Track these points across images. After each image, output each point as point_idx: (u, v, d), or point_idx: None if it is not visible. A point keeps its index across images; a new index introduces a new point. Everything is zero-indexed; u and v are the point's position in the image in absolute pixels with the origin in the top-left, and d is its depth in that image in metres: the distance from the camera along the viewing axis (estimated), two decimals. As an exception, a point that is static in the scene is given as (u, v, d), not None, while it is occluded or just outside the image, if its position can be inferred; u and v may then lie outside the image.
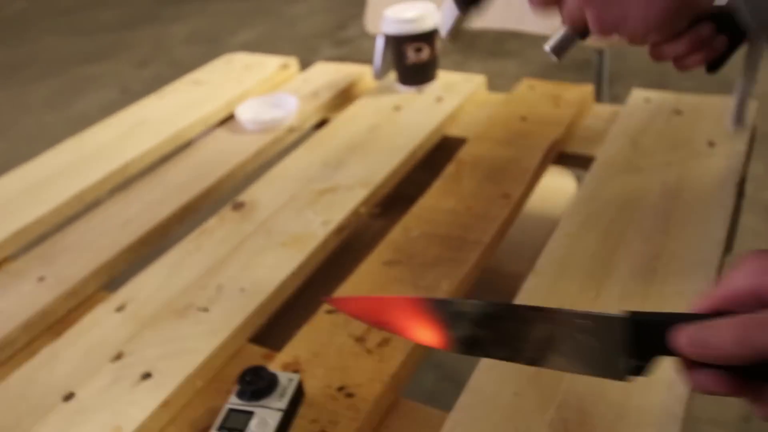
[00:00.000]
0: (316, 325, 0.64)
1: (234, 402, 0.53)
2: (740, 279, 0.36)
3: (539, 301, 0.63)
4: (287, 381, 0.55)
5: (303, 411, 0.55)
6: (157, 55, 3.29)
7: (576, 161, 0.90)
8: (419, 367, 0.62)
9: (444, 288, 0.66)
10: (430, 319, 0.39)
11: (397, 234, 0.75)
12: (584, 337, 0.38)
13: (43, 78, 3.17)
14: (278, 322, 0.73)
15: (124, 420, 0.57)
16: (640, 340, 0.36)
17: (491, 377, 0.55)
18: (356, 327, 0.63)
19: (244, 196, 0.86)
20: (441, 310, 0.39)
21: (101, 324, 0.68)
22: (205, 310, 0.67)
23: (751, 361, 0.33)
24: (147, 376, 0.61)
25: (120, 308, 0.69)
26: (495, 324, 0.39)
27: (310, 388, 0.57)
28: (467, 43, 2.69)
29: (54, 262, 0.78)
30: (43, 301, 0.72)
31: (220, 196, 0.92)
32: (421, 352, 0.62)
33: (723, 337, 0.34)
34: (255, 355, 0.65)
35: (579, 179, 1.06)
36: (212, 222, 0.82)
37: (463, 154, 0.89)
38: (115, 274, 0.78)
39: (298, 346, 0.62)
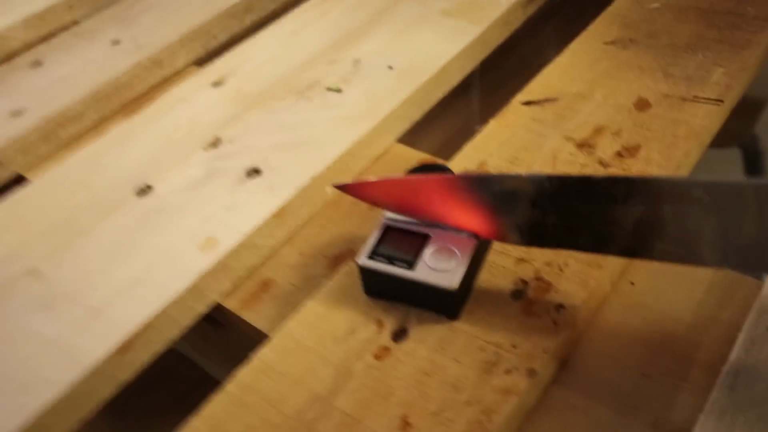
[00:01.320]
0: (511, 121, 0.41)
1: (394, 217, 0.32)
2: None
3: None
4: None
5: (505, 246, 0.34)
6: None
7: None
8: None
9: (715, 79, 0.41)
10: (474, 203, 0.29)
11: (624, 5, 0.50)
12: (711, 217, 0.24)
13: None
14: (441, 122, 0.51)
15: (219, 229, 0.37)
16: None
17: None
18: (576, 126, 0.40)
19: (387, -44, 0.61)
20: (484, 190, 0.29)
21: (192, 101, 0.48)
22: (338, 91, 0.46)
23: None
24: (254, 172, 0.41)
25: (218, 83, 0.49)
26: (565, 205, 0.27)
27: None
28: None
29: (133, 24, 0.58)
30: (118, 69, 0.52)
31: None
32: (688, 167, 0.39)
33: None
34: (411, 160, 0.43)
35: None
36: (343, -14, 0.58)
37: None
38: (212, 46, 0.57)
39: (484, 148, 0.40)
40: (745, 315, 0.31)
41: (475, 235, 0.31)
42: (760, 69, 0.44)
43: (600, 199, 0.26)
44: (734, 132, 0.69)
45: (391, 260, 0.30)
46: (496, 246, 0.34)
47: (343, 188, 0.33)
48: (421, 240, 0.31)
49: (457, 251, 0.30)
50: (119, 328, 0.33)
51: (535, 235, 0.29)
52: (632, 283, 0.34)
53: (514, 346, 0.29)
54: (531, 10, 0.54)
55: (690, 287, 0.33)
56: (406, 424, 0.27)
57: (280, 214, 0.38)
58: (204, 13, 0.57)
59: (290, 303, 0.36)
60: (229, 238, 0.37)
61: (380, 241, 0.31)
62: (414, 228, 0.32)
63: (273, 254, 0.39)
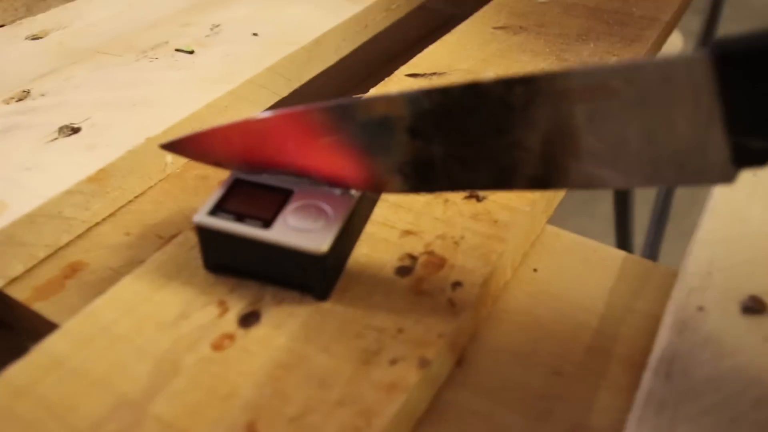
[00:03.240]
0: (393, 90, 0.36)
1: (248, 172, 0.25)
2: None
3: None
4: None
5: (387, 216, 0.27)
6: None
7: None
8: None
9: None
10: (337, 142, 0.22)
11: (511, -3, 0.47)
12: (635, 114, 0.19)
13: None
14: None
15: (11, 192, 0.28)
16: (747, 95, 0.17)
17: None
18: (468, 99, 0.35)
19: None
20: (347, 123, 0.22)
21: (-2, 52, 0.38)
22: (190, 52, 0.38)
23: None
24: (70, 130, 0.32)
25: (37, 36, 0.40)
26: (453, 127, 0.21)
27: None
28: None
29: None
30: None
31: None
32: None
33: None
34: (274, 133, 0.36)
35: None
36: (205, -38, 0.51)
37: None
38: (39, 9, 0.48)
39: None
40: (662, 304, 0.27)
41: (350, 192, 0.24)
42: (651, 63, 0.42)
43: (495, 112, 0.20)
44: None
45: (240, 218, 0.23)
46: (375, 216, 0.27)
47: (171, 147, 0.25)
48: (282, 196, 0.24)
49: (327, 209, 0.23)
50: None
51: (421, 176, 0.22)
52: (535, 270, 0.28)
53: (400, 331, 0.22)
54: (415, 2, 0.50)
55: (599, 275, 0.28)
56: (252, 433, 0.19)
57: (99, 179, 0.29)
58: (32, -29, 0.48)
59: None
60: (24, 203, 0.27)
61: (226, 196, 0.24)
62: (273, 182, 0.24)
63: (88, 232, 0.30)
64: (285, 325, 0.23)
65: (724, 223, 0.28)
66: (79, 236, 0.29)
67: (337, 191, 0.24)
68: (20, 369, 0.21)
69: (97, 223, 0.30)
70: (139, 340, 0.22)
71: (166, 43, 0.39)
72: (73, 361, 0.21)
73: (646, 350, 0.25)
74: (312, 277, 0.23)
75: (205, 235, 0.23)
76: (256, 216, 0.23)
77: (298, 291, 0.23)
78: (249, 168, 0.24)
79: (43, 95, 0.34)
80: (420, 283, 0.24)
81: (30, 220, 0.27)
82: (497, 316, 0.26)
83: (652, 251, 0.94)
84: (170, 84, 0.35)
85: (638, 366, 0.24)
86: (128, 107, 0.33)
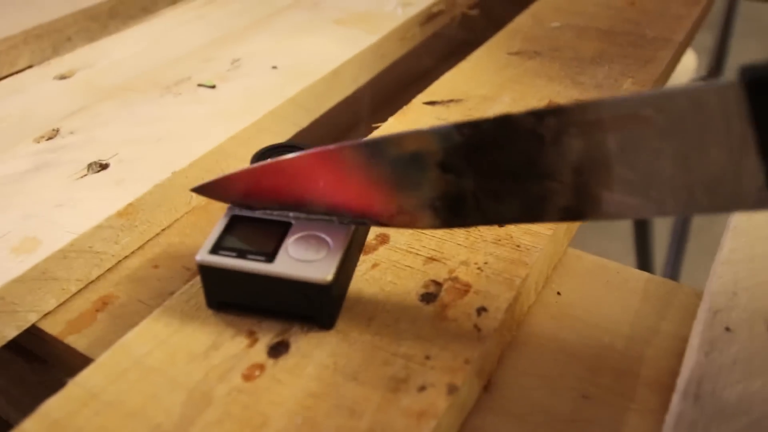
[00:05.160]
0: (413, 119, 0.36)
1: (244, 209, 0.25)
2: None
3: None
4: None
5: (410, 243, 0.28)
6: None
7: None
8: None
9: (626, 87, 0.39)
10: (369, 179, 0.23)
11: (524, 23, 0.47)
12: (668, 142, 0.19)
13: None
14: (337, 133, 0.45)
15: (44, 228, 0.29)
16: None
17: None
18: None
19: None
20: (378, 159, 0.22)
21: (28, 92, 0.39)
22: (212, 87, 0.39)
23: None
24: (99, 166, 0.32)
25: (65, 76, 0.41)
26: (484, 161, 0.21)
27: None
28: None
29: (-34, 17, 0.49)
30: (-65, 58, 0.43)
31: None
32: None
33: None
34: (296, 163, 0.37)
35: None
36: (224, -2, 0.53)
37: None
38: (65, 50, 0.49)
39: (382, 143, 0.34)
40: (688, 325, 0.27)
41: (354, 221, 0.24)
42: (665, 82, 0.43)
43: (526, 143, 0.20)
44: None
45: (242, 254, 0.23)
46: (399, 243, 0.28)
47: (202, 190, 0.26)
48: (281, 229, 0.24)
49: (327, 239, 0.24)
50: None
51: (452, 210, 0.23)
52: (558, 293, 0.29)
53: (427, 358, 0.23)
54: (429, 30, 0.51)
55: (623, 297, 0.28)
56: (284, 463, 0.20)
57: (128, 213, 0.30)
58: (56, 10, 0.49)
59: (136, 325, 0.27)
60: (56, 239, 0.28)
61: (226, 233, 0.24)
62: (269, 216, 0.25)
63: (118, 265, 0.30)
64: (314, 354, 0.23)
65: (747, 242, 0.28)
66: (109, 270, 0.30)
67: (335, 220, 0.24)
68: (56, 403, 0.21)
69: (127, 257, 0.31)
70: (172, 372, 0.22)
71: (189, 78, 0.40)
72: (107, 394, 0.22)
73: (674, 372, 0.25)
74: (317, 307, 0.23)
75: (208, 273, 0.24)
76: (258, 251, 0.23)
77: (302, 322, 0.24)
78: (281, 207, 0.25)
79: (72, 133, 0.35)
80: (445, 309, 0.25)
81: (62, 255, 0.28)
82: (522, 341, 0.26)
83: (673, 270, 0.94)
84: (194, 118, 0.36)
85: (666, 388, 0.24)
86: (154, 142, 0.34)
